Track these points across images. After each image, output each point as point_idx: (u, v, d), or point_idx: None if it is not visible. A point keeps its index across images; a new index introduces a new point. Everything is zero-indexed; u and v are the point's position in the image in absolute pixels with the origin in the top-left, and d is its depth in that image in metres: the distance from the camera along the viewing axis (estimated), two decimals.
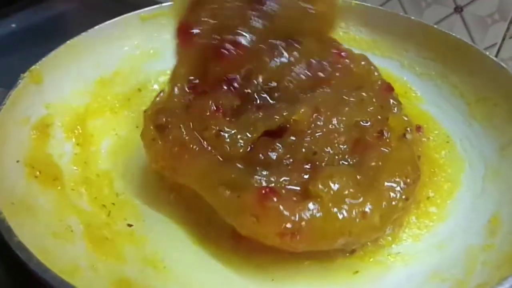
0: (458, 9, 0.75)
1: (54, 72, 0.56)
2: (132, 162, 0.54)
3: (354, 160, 0.47)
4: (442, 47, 0.63)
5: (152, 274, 0.43)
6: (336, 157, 0.47)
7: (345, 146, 0.47)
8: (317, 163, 0.46)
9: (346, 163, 0.47)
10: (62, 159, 0.52)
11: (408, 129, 0.51)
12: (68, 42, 0.58)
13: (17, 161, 0.46)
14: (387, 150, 0.48)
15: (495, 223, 0.47)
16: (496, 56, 0.76)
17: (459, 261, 0.45)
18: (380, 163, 0.46)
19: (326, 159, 0.47)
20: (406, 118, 0.52)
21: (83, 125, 0.56)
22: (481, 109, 0.58)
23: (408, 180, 0.46)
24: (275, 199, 0.42)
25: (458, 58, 0.61)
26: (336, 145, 0.47)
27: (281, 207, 0.42)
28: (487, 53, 0.59)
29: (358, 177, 0.45)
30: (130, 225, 0.48)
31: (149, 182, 0.52)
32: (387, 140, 0.48)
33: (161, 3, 0.66)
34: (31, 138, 0.50)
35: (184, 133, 0.46)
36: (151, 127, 0.48)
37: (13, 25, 0.87)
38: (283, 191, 0.43)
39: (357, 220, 0.42)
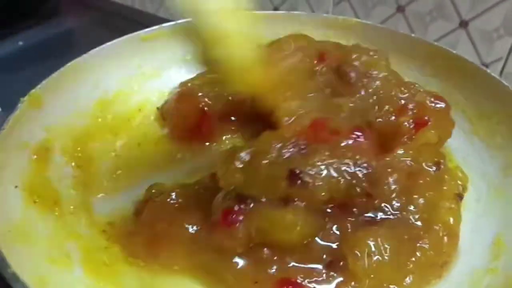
0: (463, 24, 0.74)
1: (54, 95, 0.55)
2: None
3: (398, 206, 0.45)
4: (444, 64, 0.62)
5: None
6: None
7: (395, 186, 0.45)
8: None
9: (388, 208, 0.45)
10: (61, 182, 0.51)
11: (460, 187, 0.50)
12: (68, 64, 0.58)
13: (16, 187, 0.46)
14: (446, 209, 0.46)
15: (499, 246, 0.46)
16: (501, 70, 0.75)
17: (463, 284, 0.44)
18: (425, 216, 0.45)
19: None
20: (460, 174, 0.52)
21: (83, 147, 0.56)
22: (484, 127, 0.57)
23: (443, 261, 0.45)
24: None
25: (461, 75, 0.60)
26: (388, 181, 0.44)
27: None
28: (488, 70, 0.58)
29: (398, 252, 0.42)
30: None
31: None
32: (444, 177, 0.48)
33: (162, 23, 0.66)
34: (30, 163, 0.49)
35: None
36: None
37: (21, 43, 0.88)
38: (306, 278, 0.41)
39: None
